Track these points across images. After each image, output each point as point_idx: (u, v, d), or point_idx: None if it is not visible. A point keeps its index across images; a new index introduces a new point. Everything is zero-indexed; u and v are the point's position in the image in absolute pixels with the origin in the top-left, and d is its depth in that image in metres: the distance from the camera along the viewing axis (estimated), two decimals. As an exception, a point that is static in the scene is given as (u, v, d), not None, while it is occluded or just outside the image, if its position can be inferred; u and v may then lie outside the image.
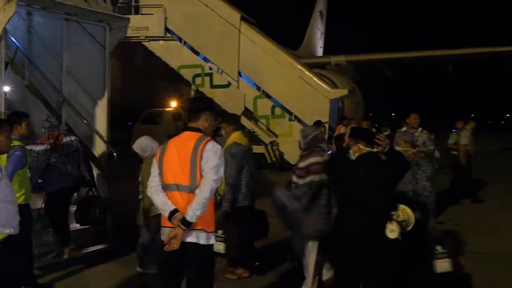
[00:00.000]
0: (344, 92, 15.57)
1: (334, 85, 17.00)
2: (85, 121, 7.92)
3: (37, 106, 7.93)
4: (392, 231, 3.99)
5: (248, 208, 5.86)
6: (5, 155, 4.71)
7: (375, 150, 4.21)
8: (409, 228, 4.31)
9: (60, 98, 8.05)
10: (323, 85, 14.36)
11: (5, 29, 6.40)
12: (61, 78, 8.11)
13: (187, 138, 3.82)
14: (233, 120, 6.37)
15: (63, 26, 8.01)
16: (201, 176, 3.71)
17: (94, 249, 6.72)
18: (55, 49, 8.19)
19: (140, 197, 5.90)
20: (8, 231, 3.91)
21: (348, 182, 4.19)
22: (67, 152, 6.37)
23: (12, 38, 7.93)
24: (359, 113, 21.33)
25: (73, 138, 6.62)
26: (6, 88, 6.94)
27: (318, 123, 9.62)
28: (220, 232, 5.40)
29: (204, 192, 3.67)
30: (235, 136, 5.87)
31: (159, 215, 5.64)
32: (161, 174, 3.82)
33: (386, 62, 27.64)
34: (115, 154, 7.64)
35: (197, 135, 3.81)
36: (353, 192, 4.12)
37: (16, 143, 4.92)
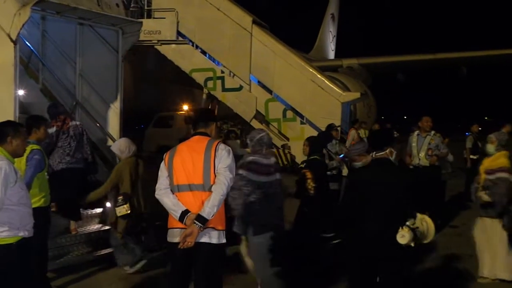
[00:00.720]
0: (356, 95, 15.50)
1: (346, 88, 16.94)
2: (98, 124, 7.98)
3: (51, 109, 8.00)
4: (402, 237, 3.94)
5: None
6: (24, 159, 4.80)
7: (375, 154, 4.19)
8: (427, 241, 4.16)
9: (73, 101, 8.12)
10: (335, 88, 14.31)
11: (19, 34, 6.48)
12: (75, 81, 8.19)
13: (198, 140, 3.99)
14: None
15: (76, 31, 8.09)
16: (215, 175, 3.84)
17: (107, 251, 6.76)
18: (69, 53, 8.28)
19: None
20: (22, 233, 3.96)
21: (360, 185, 4.22)
22: (73, 134, 6.65)
23: (27, 43, 8.02)
24: (372, 116, 21.20)
25: (78, 122, 6.95)
26: (21, 92, 7.01)
27: (330, 127, 9.57)
28: None
29: (220, 189, 3.79)
30: None
31: (124, 216, 6.00)
32: (170, 176, 3.92)
33: (399, 65, 27.45)
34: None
35: (208, 138, 4.03)
36: (366, 195, 4.14)
37: (34, 146, 5.00)
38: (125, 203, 6.04)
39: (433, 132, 8.40)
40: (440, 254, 7.17)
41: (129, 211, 6.05)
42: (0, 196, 3.76)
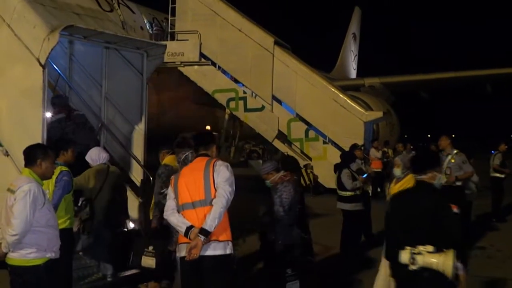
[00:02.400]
0: (379, 114, 15.42)
1: (368, 107, 16.86)
2: (122, 146, 8.07)
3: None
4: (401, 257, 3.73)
5: None
6: (53, 180, 4.89)
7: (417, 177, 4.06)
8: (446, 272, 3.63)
9: (99, 123, 8.25)
10: (357, 107, 14.28)
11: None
12: (100, 104, 8.33)
13: (199, 161, 4.29)
14: (169, 147, 6.55)
15: (103, 54, 8.24)
16: (215, 189, 4.07)
17: (130, 273, 6.76)
18: (95, 76, 8.42)
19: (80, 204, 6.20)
20: (50, 255, 4.02)
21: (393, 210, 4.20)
22: (78, 122, 7.23)
23: (55, 66, 8.21)
24: (394, 135, 21.00)
25: (81, 112, 7.58)
26: (48, 115, 7.17)
27: (354, 147, 9.52)
28: (150, 248, 6.01)
29: (220, 202, 4.01)
30: (167, 159, 6.34)
31: (87, 220, 6.09)
32: (176, 197, 4.18)
33: (421, 83, 27.22)
34: (151, 178, 7.73)
35: (207, 157, 4.30)
36: (396, 221, 4.07)
37: (63, 168, 5.11)
38: (86, 207, 6.15)
39: (455, 151, 8.26)
40: (470, 278, 6.95)
41: (89, 215, 6.14)
42: (28, 218, 3.84)
